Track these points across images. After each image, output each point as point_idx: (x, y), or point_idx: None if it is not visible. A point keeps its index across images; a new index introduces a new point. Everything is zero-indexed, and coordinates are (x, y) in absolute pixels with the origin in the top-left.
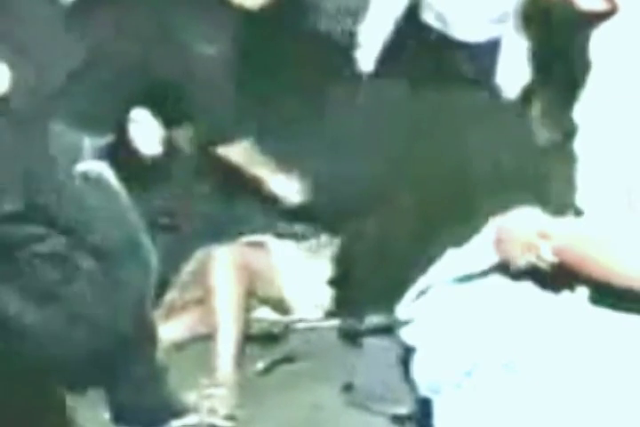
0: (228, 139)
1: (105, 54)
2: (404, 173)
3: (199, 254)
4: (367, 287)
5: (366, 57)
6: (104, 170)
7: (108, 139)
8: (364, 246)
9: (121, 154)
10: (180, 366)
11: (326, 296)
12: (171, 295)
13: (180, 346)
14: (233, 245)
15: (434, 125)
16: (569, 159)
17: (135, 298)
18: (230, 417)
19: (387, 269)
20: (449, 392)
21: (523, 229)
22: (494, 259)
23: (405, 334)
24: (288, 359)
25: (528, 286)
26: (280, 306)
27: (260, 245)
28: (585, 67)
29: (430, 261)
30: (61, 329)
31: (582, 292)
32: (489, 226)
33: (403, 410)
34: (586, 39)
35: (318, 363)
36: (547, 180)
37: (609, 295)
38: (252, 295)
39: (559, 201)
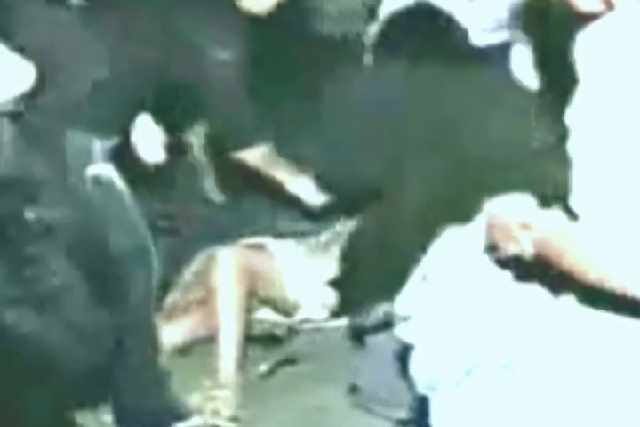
0: (246, 144)
1: (116, 58)
2: (404, 172)
3: (202, 255)
4: (371, 284)
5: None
6: (113, 173)
7: (114, 141)
8: (367, 243)
9: (126, 159)
10: (182, 369)
11: (331, 296)
12: (173, 296)
13: (182, 349)
14: (235, 246)
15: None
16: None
17: (139, 301)
18: (233, 419)
19: (390, 265)
20: (447, 391)
21: (507, 217)
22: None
23: (405, 332)
24: (291, 361)
25: (528, 287)
26: (282, 307)
27: (260, 246)
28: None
29: None
30: (62, 335)
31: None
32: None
33: (406, 414)
34: None
35: (322, 364)
36: (545, 175)
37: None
38: (253, 296)
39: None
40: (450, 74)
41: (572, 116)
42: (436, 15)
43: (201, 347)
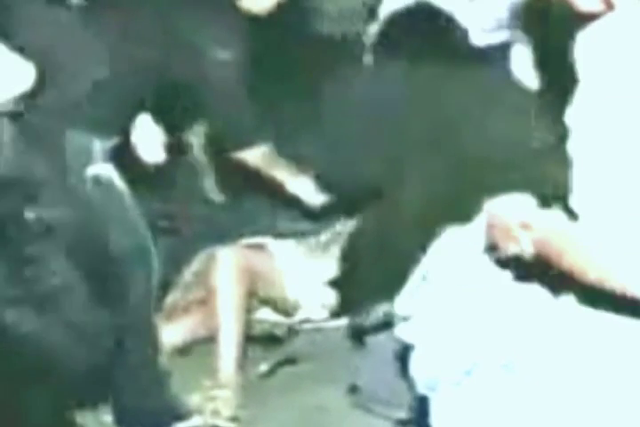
0: (246, 144)
1: (116, 58)
2: (404, 171)
3: (202, 255)
4: (371, 284)
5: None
6: (113, 173)
7: (114, 141)
8: (367, 243)
9: (126, 159)
10: (182, 369)
11: (331, 296)
12: (173, 296)
13: (182, 349)
14: (235, 246)
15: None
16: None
17: (139, 301)
18: (234, 419)
19: (390, 265)
20: (447, 391)
21: (507, 217)
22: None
23: (405, 332)
24: (291, 361)
25: (528, 287)
26: (282, 307)
27: (260, 246)
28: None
29: None
30: (62, 335)
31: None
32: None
33: (406, 414)
34: None
35: (322, 364)
36: (545, 175)
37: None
38: (253, 296)
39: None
40: (450, 74)
41: (571, 116)
42: (435, 15)
43: (201, 347)
